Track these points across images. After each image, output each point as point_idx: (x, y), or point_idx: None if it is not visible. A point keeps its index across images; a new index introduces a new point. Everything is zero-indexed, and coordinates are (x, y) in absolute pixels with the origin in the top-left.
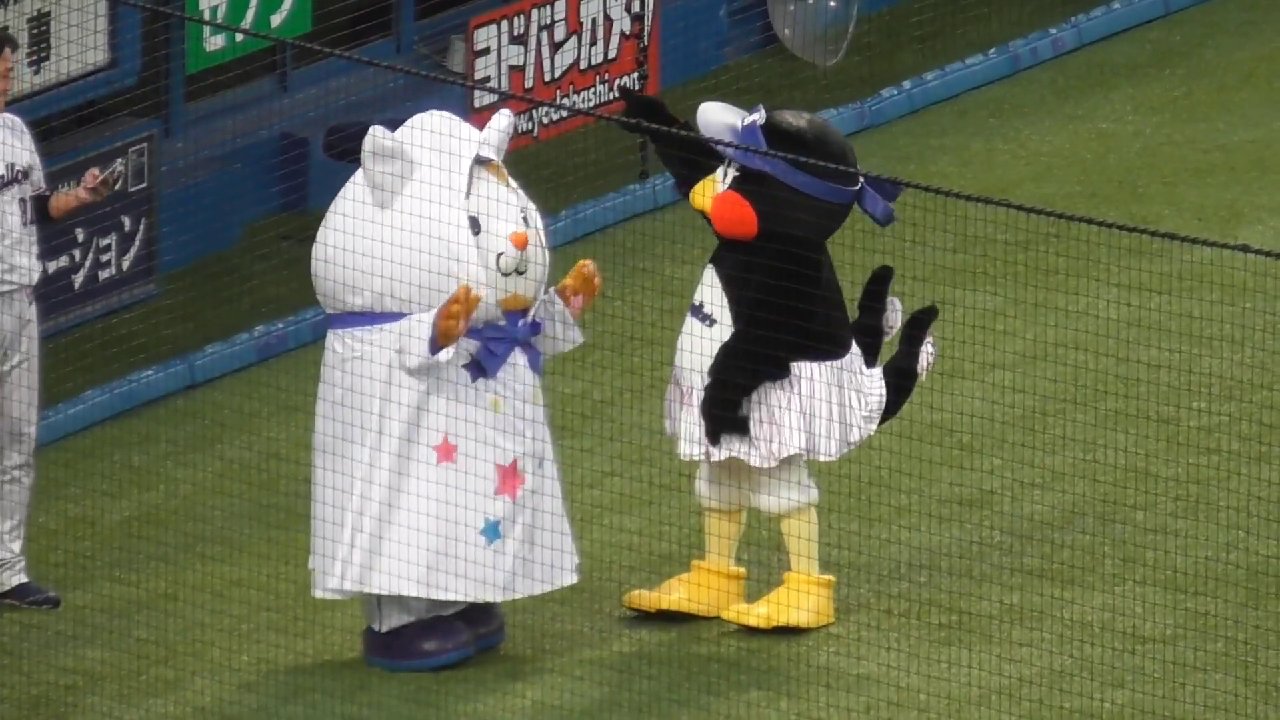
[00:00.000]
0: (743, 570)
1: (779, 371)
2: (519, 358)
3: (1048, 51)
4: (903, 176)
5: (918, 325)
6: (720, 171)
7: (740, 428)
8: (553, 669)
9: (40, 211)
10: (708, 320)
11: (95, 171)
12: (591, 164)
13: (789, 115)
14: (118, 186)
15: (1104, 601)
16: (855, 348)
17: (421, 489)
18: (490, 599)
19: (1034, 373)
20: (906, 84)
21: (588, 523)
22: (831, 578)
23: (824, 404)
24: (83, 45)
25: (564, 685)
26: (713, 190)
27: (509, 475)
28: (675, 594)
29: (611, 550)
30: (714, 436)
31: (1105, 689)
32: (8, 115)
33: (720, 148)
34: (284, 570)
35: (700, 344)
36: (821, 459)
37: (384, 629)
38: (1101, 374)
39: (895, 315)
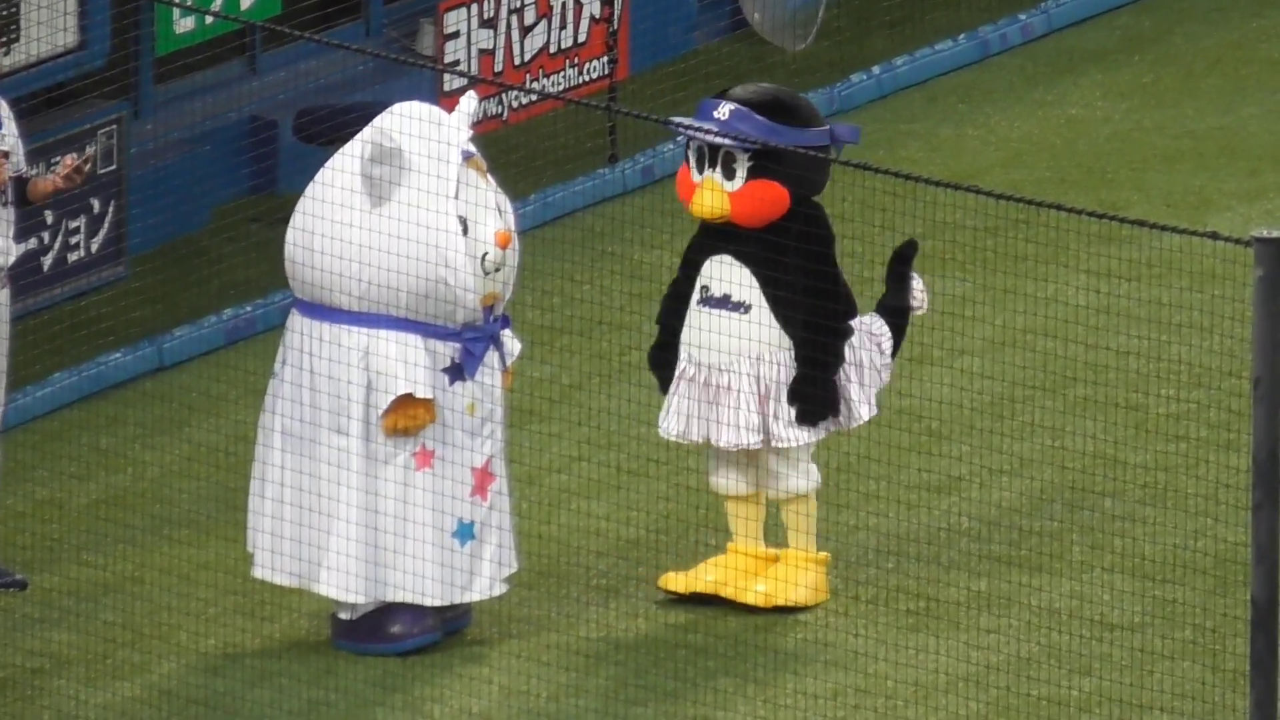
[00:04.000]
0: (775, 552)
1: (848, 335)
2: (490, 354)
3: (1017, 37)
4: (872, 162)
5: (902, 261)
6: (711, 173)
7: (836, 405)
8: (519, 654)
9: (19, 194)
10: (741, 308)
11: (71, 158)
12: (560, 148)
13: (747, 90)
14: (88, 168)
15: (1072, 589)
16: None
17: (399, 496)
18: (475, 599)
19: (1002, 359)
20: (876, 69)
21: (554, 507)
22: (826, 554)
23: (865, 362)
24: (52, 27)
25: (530, 670)
26: (719, 192)
27: (483, 476)
28: (709, 576)
29: (578, 535)
30: (813, 420)
31: (1072, 676)
32: None
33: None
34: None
35: (743, 333)
36: (870, 417)
37: (353, 616)
38: (1070, 361)
39: (921, 293)
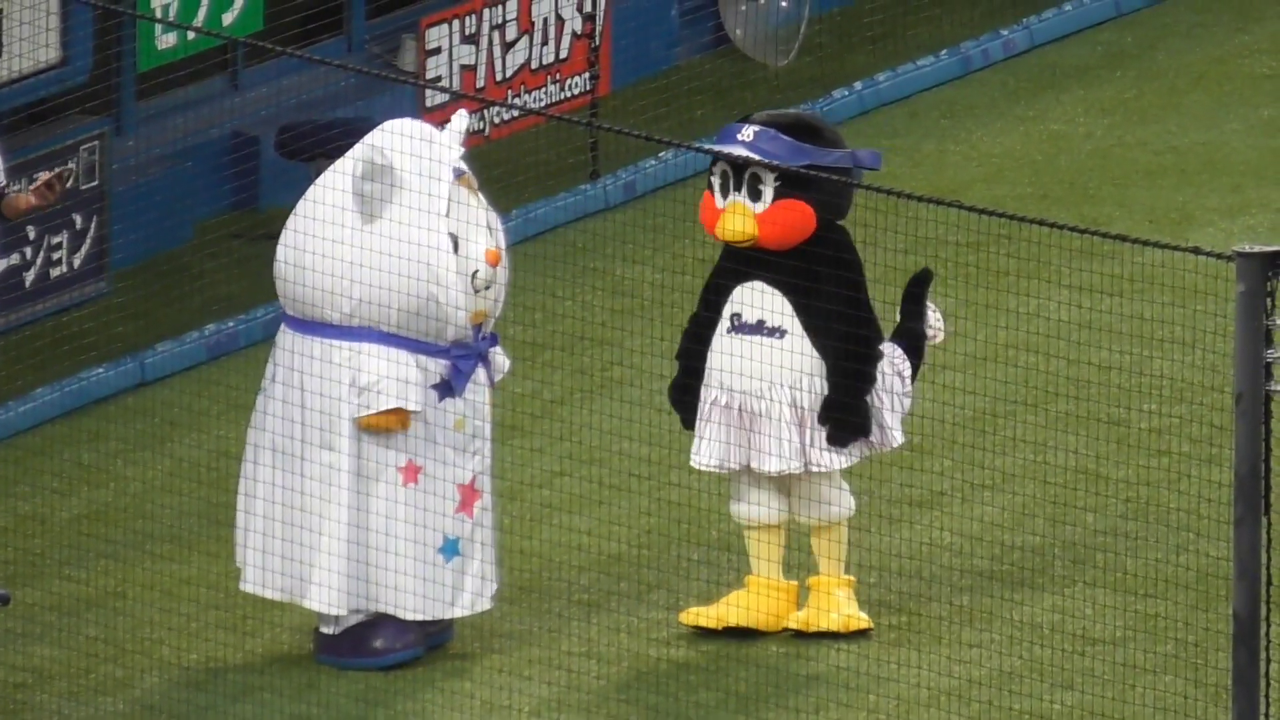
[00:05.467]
0: (795, 583)
1: (880, 358)
2: (479, 372)
3: (999, 53)
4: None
5: (918, 285)
6: (737, 196)
7: (867, 428)
8: (501, 668)
9: None
10: (777, 333)
11: (45, 174)
12: (543, 164)
13: (770, 113)
14: (69, 184)
15: (1054, 603)
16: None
17: (385, 510)
18: (460, 614)
19: (984, 374)
20: (858, 85)
21: (537, 522)
22: (852, 578)
23: (894, 388)
24: (34, 43)
25: (512, 685)
26: (746, 215)
27: (468, 492)
28: (736, 608)
29: (561, 550)
30: (844, 441)
31: (1054, 690)
32: None
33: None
34: (233, 569)
35: (779, 358)
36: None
37: (336, 630)
38: (1052, 376)
39: (937, 319)
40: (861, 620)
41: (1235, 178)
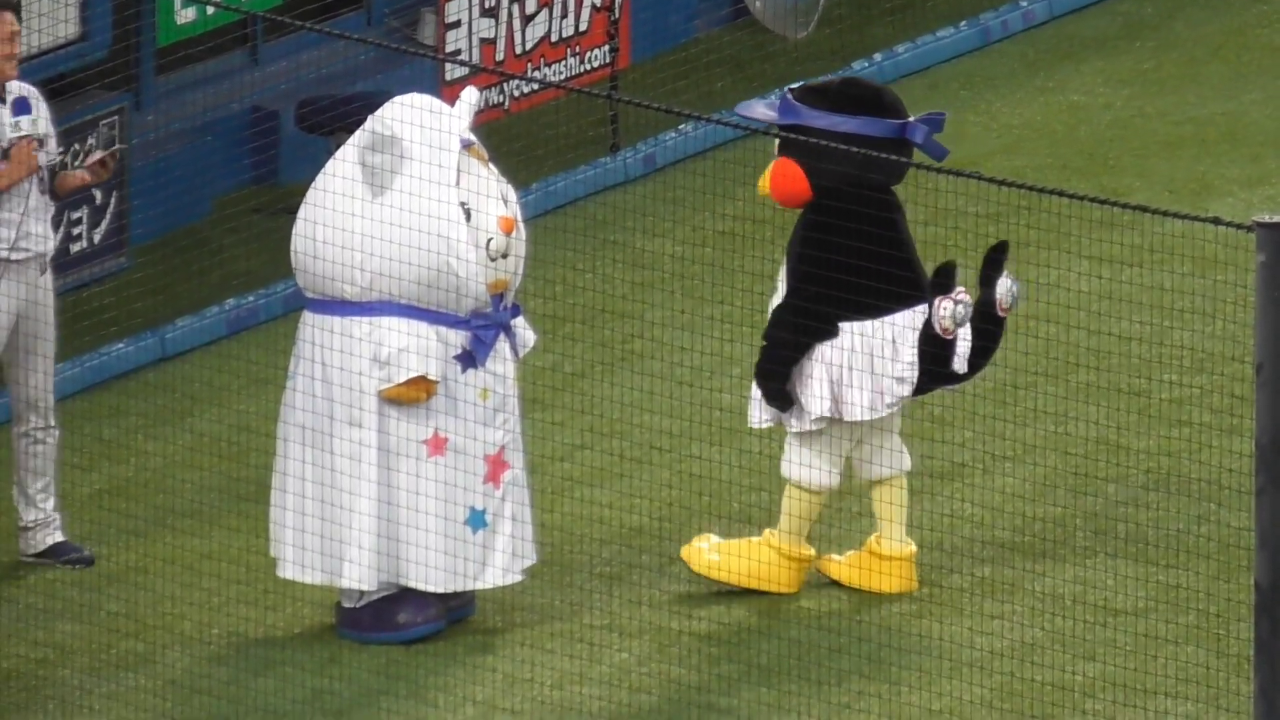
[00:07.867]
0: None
1: (825, 332)
2: (502, 342)
3: (1018, 24)
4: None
5: (994, 264)
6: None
7: (781, 393)
8: (523, 642)
9: (51, 184)
10: (776, 291)
11: (98, 152)
12: (562, 137)
13: (819, 79)
14: (113, 163)
15: (1075, 574)
16: (917, 307)
17: (412, 484)
18: (487, 586)
19: (1005, 345)
20: (877, 56)
21: (558, 495)
22: (913, 549)
23: (850, 368)
24: (53, 18)
25: (535, 658)
26: (766, 172)
27: (496, 464)
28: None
29: (582, 523)
30: (766, 400)
31: (1076, 661)
32: (25, 85)
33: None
34: (254, 543)
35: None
36: (846, 420)
37: (358, 604)
38: (1073, 346)
39: (1009, 293)
40: (887, 582)
41: (1254, 148)
